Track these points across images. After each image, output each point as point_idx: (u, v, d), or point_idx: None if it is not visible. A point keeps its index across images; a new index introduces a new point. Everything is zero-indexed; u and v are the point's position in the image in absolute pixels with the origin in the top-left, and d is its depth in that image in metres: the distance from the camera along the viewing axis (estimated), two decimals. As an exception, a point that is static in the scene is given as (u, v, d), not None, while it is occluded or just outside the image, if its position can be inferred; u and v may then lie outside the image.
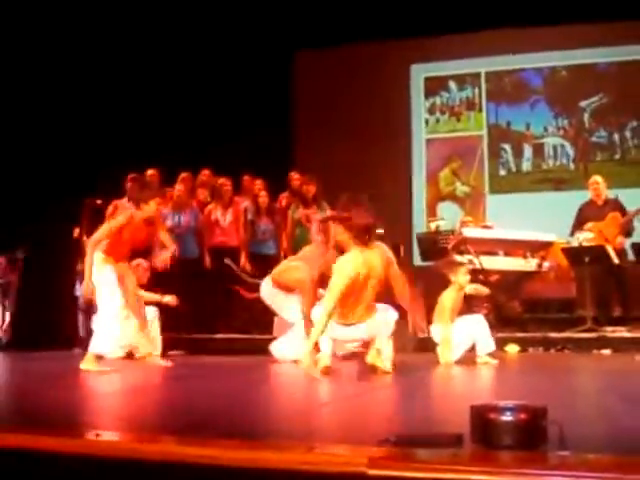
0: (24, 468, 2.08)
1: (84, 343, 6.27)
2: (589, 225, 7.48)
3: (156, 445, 2.11)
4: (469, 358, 5.45)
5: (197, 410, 3.13)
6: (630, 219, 7.47)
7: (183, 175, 8.10)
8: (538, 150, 10.17)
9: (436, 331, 5.59)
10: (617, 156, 9.90)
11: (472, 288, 5.74)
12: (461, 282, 5.63)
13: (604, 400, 3.61)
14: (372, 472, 1.78)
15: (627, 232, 7.53)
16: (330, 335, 4.67)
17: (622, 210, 7.58)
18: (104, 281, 5.20)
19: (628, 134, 9.85)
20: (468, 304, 5.82)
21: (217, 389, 4.00)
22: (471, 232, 7.39)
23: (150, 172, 7.84)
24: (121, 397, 3.80)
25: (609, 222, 7.48)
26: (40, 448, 2.09)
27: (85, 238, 6.61)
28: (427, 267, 7.77)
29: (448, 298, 5.61)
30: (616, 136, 9.90)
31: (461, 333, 5.49)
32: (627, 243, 7.51)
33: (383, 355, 4.80)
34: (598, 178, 7.87)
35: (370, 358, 4.85)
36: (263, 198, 7.94)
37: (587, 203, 7.83)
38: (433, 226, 8.01)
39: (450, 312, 5.57)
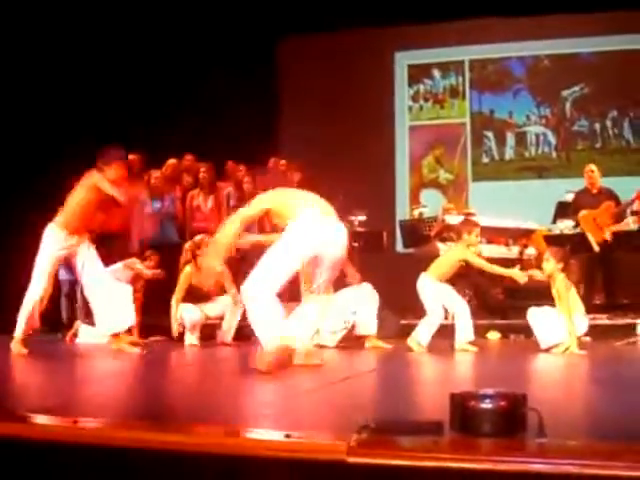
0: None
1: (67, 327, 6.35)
2: (583, 213, 7.47)
3: (133, 431, 2.09)
4: (448, 345, 5.47)
5: (172, 397, 3.11)
6: (624, 209, 7.47)
7: (170, 161, 8.02)
8: (520, 138, 10.20)
9: (424, 282, 5.56)
10: (598, 145, 9.95)
11: (525, 274, 5.67)
12: (472, 241, 5.62)
13: (584, 387, 3.64)
14: (352, 459, 1.77)
15: (620, 221, 7.53)
16: None
17: (616, 200, 7.59)
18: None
19: (609, 123, 9.90)
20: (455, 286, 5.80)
21: (195, 375, 3.98)
22: (453, 219, 7.40)
23: (131, 157, 7.75)
24: (94, 383, 3.77)
25: (603, 210, 7.48)
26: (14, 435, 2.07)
27: None
28: (409, 254, 7.80)
29: (454, 255, 5.63)
30: (597, 125, 9.95)
31: (440, 312, 5.50)
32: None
33: None
34: (593, 167, 7.85)
35: None
36: (248, 184, 7.88)
37: (582, 191, 7.81)
38: (416, 213, 8.02)
39: (450, 268, 5.57)
